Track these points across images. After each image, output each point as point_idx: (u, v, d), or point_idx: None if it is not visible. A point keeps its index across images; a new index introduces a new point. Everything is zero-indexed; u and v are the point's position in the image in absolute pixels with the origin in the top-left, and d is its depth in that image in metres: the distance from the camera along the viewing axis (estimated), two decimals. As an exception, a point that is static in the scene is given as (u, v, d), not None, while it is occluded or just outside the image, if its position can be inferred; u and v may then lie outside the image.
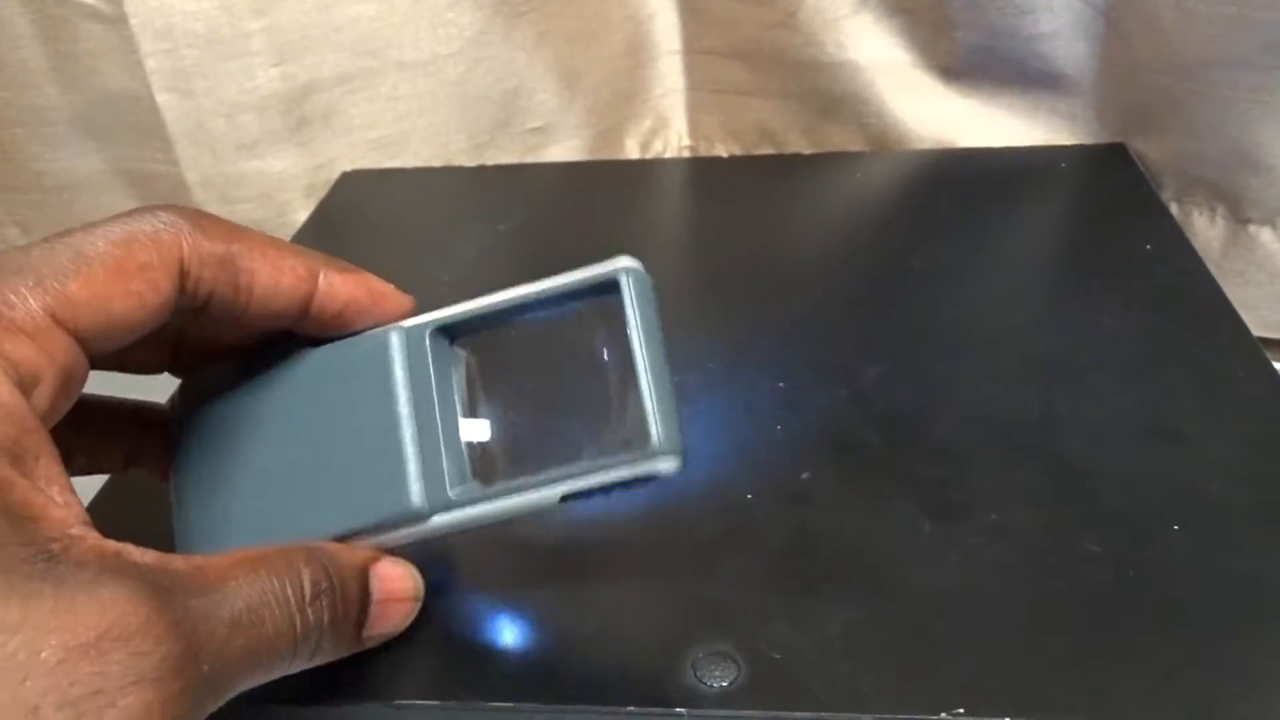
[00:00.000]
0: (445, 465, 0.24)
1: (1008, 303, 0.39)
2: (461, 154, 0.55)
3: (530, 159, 0.57)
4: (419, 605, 0.25)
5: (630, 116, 0.59)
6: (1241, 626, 0.25)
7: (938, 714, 0.23)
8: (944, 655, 0.25)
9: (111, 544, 0.20)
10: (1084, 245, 0.42)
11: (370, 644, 0.24)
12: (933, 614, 0.26)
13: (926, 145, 0.52)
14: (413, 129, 0.54)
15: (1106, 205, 0.45)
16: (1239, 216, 0.46)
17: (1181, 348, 0.35)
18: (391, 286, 0.26)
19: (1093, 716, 0.23)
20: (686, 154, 0.60)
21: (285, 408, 0.26)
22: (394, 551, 0.25)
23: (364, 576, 0.24)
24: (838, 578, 0.27)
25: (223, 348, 0.27)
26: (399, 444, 0.24)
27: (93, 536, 0.20)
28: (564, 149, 0.58)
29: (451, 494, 0.24)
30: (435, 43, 0.52)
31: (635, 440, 0.23)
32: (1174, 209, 0.48)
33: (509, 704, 0.24)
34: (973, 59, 0.50)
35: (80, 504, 0.21)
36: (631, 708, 0.24)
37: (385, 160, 0.55)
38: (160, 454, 0.27)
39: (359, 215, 0.50)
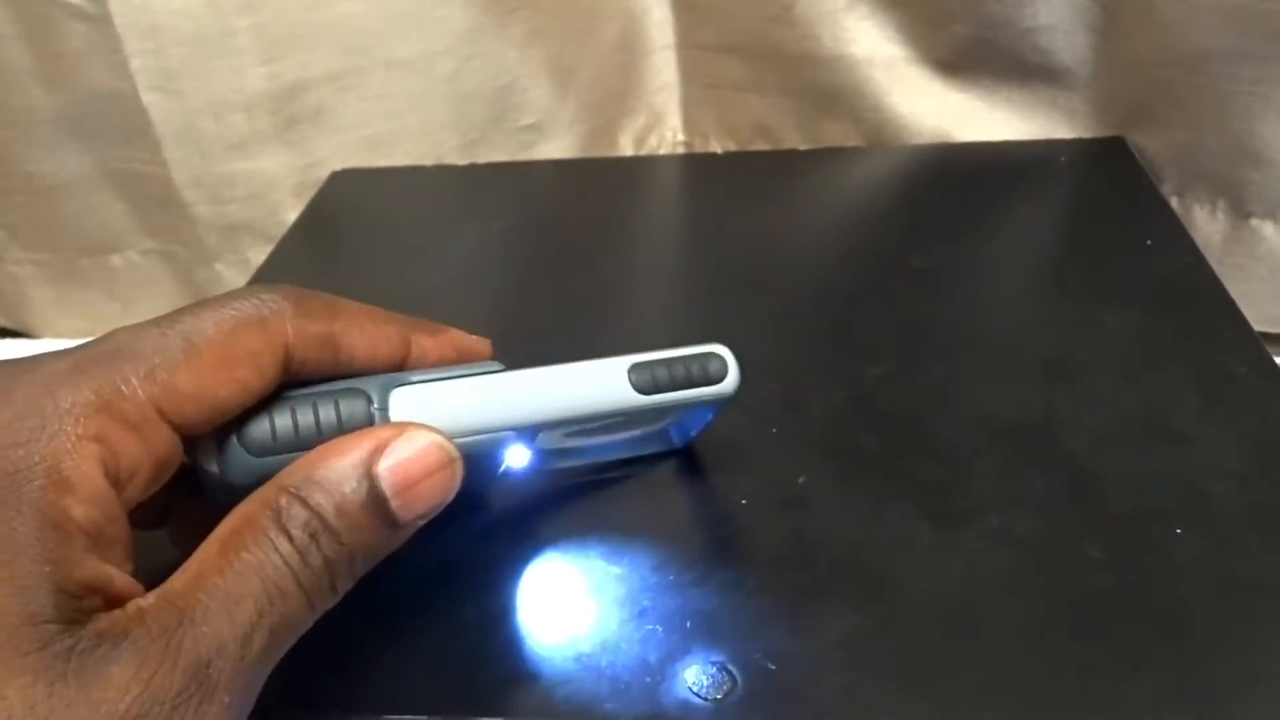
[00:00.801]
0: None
1: (1006, 300, 0.38)
2: (453, 152, 0.55)
3: (523, 156, 0.57)
4: (458, 465, 0.23)
5: (624, 112, 0.59)
6: (1248, 631, 0.25)
7: (938, 726, 0.23)
8: (946, 665, 0.24)
9: (120, 610, 0.20)
10: (1084, 241, 0.42)
11: (418, 526, 0.23)
12: (934, 622, 0.25)
13: (924, 140, 0.52)
14: (403, 127, 0.54)
15: (1106, 200, 0.44)
16: (1240, 211, 0.46)
17: (1183, 345, 0.34)
18: (474, 338, 0.27)
19: (1097, 727, 0.23)
20: (681, 150, 0.60)
21: None
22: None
23: (367, 479, 0.22)
24: (836, 585, 0.26)
25: None
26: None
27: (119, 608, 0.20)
28: (557, 146, 0.57)
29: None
30: (425, 39, 0.51)
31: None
32: (1174, 203, 0.47)
33: (499, 718, 0.24)
34: (970, 52, 0.49)
35: (138, 586, 0.21)
36: (624, 721, 0.24)
37: (376, 159, 0.54)
38: (191, 509, 0.26)
39: (350, 215, 0.50)
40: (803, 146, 0.55)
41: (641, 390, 0.26)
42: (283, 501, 0.22)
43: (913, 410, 0.32)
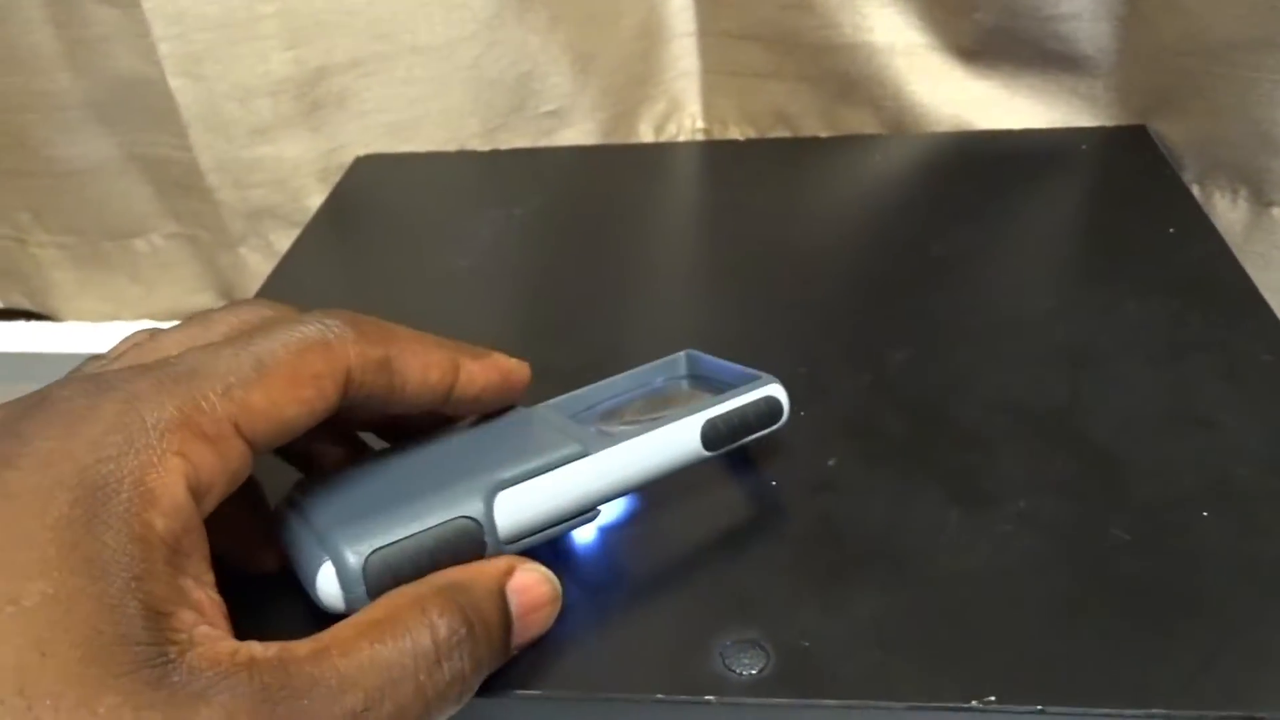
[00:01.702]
0: (596, 427, 0.28)
1: (1028, 288, 0.38)
2: (475, 138, 0.55)
3: (543, 143, 0.57)
4: (559, 603, 0.25)
5: (644, 99, 0.59)
6: (1274, 614, 0.25)
7: (969, 702, 0.23)
8: (975, 643, 0.25)
9: (228, 645, 0.20)
10: (1106, 229, 0.42)
11: (516, 652, 0.25)
12: (963, 602, 0.26)
13: (944, 128, 0.52)
14: (426, 113, 0.54)
15: (1128, 188, 0.44)
16: (1262, 199, 0.46)
17: (1207, 332, 0.35)
18: (515, 361, 0.28)
19: (1125, 705, 0.23)
20: (700, 137, 0.60)
21: (427, 442, 0.28)
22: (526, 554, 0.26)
23: (502, 598, 0.24)
24: (866, 565, 0.27)
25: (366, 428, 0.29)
26: (549, 423, 0.27)
27: (214, 637, 0.20)
28: (577, 132, 0.57)
29: (608, 436, 0.27)
30: (449, 26, 0.52)
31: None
32: (1195, 191, 0.47)
33: (536, 692, 0.24)
34: (992, 40, 0.50)
35: (218, 601, 0.22)
36: (660, 695, 0.24)
37: (398, 145, 0.54)
38: (244, 539, 0.27)
39: (373, 200, 0.50)
40: (823, 134, 0.55)
41: (710, 447, 0.27)
42: (438, 605, 0.22)
43: (937, 395, 0.33)
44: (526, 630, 0.25)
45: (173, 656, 0.19)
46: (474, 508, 0.25)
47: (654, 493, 0.30)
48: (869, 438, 0.31)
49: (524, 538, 0.26)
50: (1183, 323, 0.35)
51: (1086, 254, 0.41)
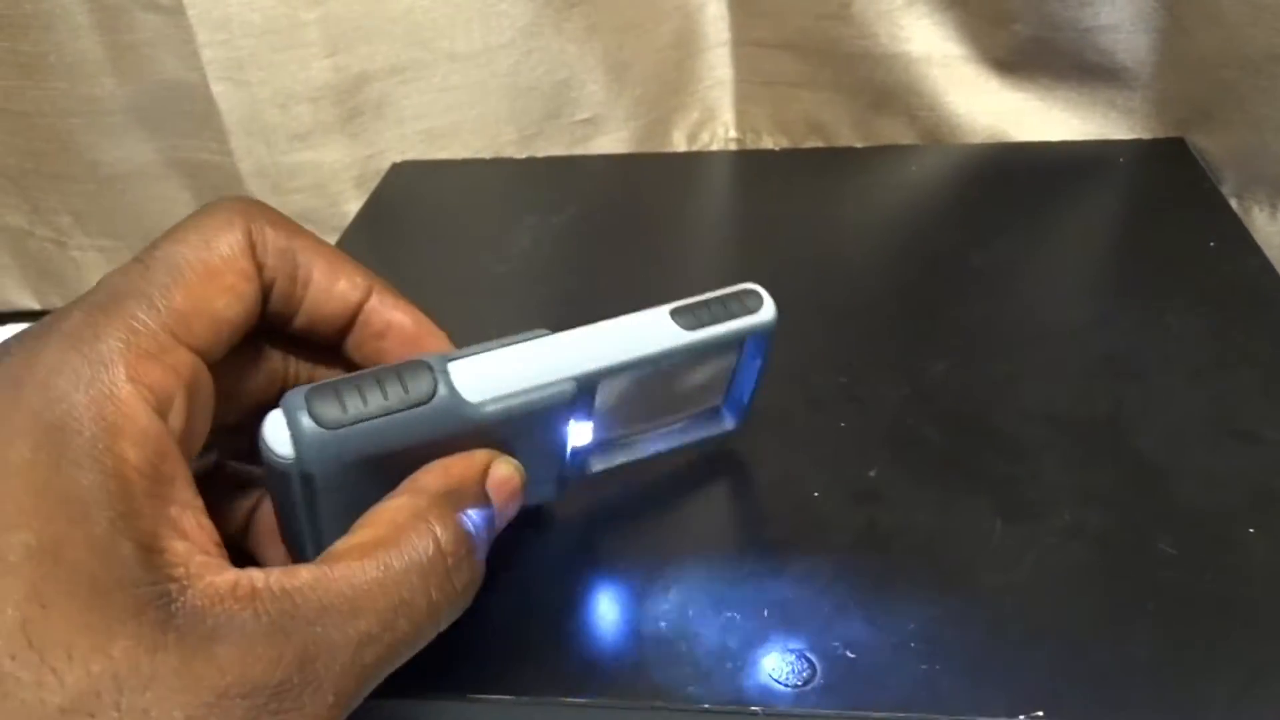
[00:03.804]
0: None
1: (1067, 299, 0.38)
2: (510, 145, 0.56)
3: (578, 150, 0.57)
4: (522, 497, 0.25)
5: (678, 108, 0.59)
6: (1321, 631, 0.25)
7: (1016, 716, 0.23)
8: (1021, 656, 0.25)
9: (228, 578, 0.20)
10: (1145, 241, 0.42)
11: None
12: (1009, 614, 0.26)
13: (980, 139, 0.52)
14: (463, 120, 0.54)
15: (1167, 201, 0.44)
16: (1301, 213, 0.46)
17: (1250, 346, 0.34)
18: (432, 324, 0.27)
19: (1174, 721, 0.23)
20: (733, 146, 0.60)
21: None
22: None
23: (487, 497, 0.24)
24: (910, 577, 0.27)
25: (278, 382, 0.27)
26: None
27: (213, 569, 0.20)
28: (611, 140, 0.58)
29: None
30: (487, 34, 0.52)
31: None
32: (1234, 205, 0.47)
33: (584, 700, 0.25)
34: (1029, 51, 0.50)
35: (208, 527, 0.21)
36: (707, 705, 0.24)
37: (435, 151, 0.55)
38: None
39: (411, 206, 0.50)
40: (857, 144, 0.55)
41: (684, 325, 0.27)
42: (438, 516, 0.22)
43: (978, 406, 0.33)
44: (503, 521, 0.24)
45: (175, 595, 0.19)
46: (428, 359, 0.24)
47: (694, 503, 0.30)
48: (910, 448, 0.31)
49: (488, 404, 0.24)
50: (1224, 336, 0.35)
51: (1126, 267, 0.40)
